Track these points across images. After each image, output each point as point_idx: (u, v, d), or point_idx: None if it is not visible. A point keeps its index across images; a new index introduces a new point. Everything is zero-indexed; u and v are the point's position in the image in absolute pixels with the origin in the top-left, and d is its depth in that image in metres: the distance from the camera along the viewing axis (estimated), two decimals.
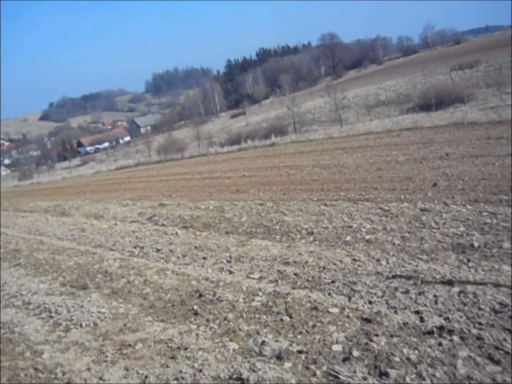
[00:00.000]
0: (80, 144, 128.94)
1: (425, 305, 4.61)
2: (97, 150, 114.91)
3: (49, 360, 4.64)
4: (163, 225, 10.82)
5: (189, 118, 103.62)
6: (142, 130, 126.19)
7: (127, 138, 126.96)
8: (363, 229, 7.72)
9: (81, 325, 5.34)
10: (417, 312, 4.47)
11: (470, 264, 5.54)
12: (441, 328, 4.08)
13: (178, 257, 7.72)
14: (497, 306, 4.33)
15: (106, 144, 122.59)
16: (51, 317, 5.77)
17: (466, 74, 58.94)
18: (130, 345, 4.67)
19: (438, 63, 66.39)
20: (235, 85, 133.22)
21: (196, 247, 8.15)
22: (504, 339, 3.77)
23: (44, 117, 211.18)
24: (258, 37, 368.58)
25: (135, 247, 8.84)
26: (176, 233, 9.56)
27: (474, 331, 3.95)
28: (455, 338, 3.89)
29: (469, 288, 4.79)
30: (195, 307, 5.33)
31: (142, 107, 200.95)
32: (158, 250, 8.34)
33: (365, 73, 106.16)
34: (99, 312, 5.64)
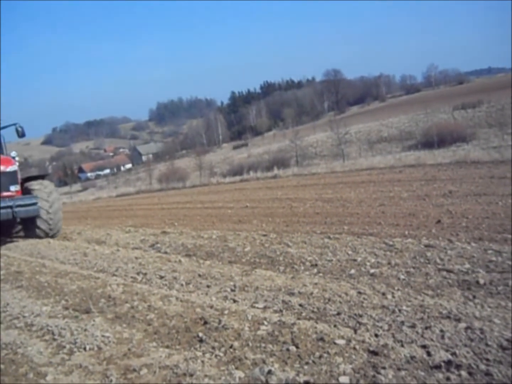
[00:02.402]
0: (81, 170, 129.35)
1: (432, 339, 4.61)
2: (98, 176, 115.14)
3: (52, 382, 4.61)
4: (165, 252, 10.82)
5: (192, 147, 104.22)
6: (144, 158, 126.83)
7: (129, 166, 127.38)
8: (368, 263, 7.73)
9: (85, 349, 5.32)
10: (424, 347, 4.46)
11: (476, 300, 5.55)
12: (448, 362, 4.07)
13: (182, 285, 7.71)
14: (505, 343, 4.33)
15: (107, 171, 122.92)
16: (54, 339, 5.74)
17: (469, 113, 59.50)
18: (135, 370, 4.65)
19: (441, 102, 67.11)
20: (238, 116, 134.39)
21: (199, 275, 8.15)
22: None
23: (47, 141, 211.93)
24: (262, 71, 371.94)
25: (138, 273, 8.82)
26: (180, 261, 9.57)
27: (482, 366, 3.95)
28: (463, 373, 3.89)
29: (476, 324, 4.80)
30: (200, 334, 5.31)
31: (145, 135, 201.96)
32: (161, 277, 8.32)
33: (368, 110, 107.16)
34: (103, 336, 5.61)
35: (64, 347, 5.45)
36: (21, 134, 16.21)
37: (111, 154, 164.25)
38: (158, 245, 11.75)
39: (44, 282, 8.86)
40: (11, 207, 13.86)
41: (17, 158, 16.12)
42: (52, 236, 15.45)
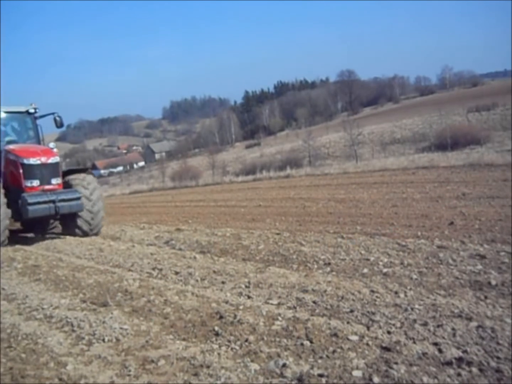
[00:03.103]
0: (94, 167, 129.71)
1: (444, 337, 4.70)
2: (111, 174, 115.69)
3: (73, 372, 4.74)
4: (180, 249, 10.96)
5: (204, 146, 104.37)
6: (157, 156, 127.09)
7: (142, 163, 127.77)
8: (380, 263, 7.83)
9: (103, 340, 5.45)
10: (435, 344, 4.56)
11: (488, 301, 5.64)
12: (459, 359, 4.17)
13: (197, 280, 7.85)
14: None
15: (120, 168, 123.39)
16: (73, 331, 5.88)
17: (483, 116, 59.23)
18: (152, 361, 4.77)
19: (455, 104, 66.80)
20: (252, 116, 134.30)
21: (214, 272, 8.28)
22: None
23: (61, 138, 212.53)
24: (276, 70, 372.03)
25: (153, 269, 8.97)
26: (194, 257, 9.71)
27: (493, 363, 4.05)
28: (474, 370, 3.99)
29: (488, 323, 4.89)
30: (216, 328, 5.44)
31: (158, 133, 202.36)
32: (176, 273, 8.47)
33: (382, 111, 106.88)
34: (121, 328, 5.75)
35: (83, 338, 5.59)
36: (59, 124, 15.53)
37: (124, 151, 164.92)
38: (173, 241, 11.90)
39: (61, 276, 9.02)
40: (53, 201, 12.85)
41: (55, 150, 14.72)
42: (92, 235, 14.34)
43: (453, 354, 4.31)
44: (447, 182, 18.95)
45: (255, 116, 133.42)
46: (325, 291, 6.56)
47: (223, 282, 7.57)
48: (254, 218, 15.22)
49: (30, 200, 12.54)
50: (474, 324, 4.93)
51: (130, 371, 4.62)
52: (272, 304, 6.26)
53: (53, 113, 15.30)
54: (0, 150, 13.92)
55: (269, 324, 5.44)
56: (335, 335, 4.94)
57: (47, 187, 13.32)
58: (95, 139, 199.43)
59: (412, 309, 5.55)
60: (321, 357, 4.51)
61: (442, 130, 52.13)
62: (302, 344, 4.82)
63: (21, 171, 13.09)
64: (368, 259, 8.12)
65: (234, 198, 23.94)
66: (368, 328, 5.10)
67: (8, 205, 12.73)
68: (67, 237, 14.25)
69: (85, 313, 6.57)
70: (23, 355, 5.24)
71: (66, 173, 14.63)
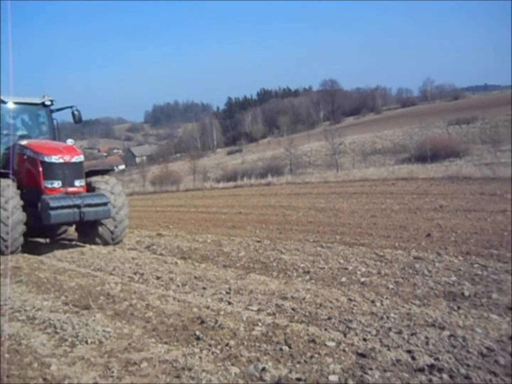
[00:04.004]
0: None
1: (417, 345, 4.90)
2: None
3: (57, 372, 4.84)
4: (161, 254, 11.07)
5: (186, 151, 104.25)
6: (138, 159, 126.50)
7: (122, 167, 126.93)
8: (358, 272, 8.04)
9: (86, 342, 5.55)
10: (409, 351, 4.75)
11: (461, 311, 5.86)
12: (431, 366, 4.36)
13: (178, 286, 7.98)
14: (485, 351, 4.63)
15: None
16: (56, 332, 5.97)
17: (463, 129, 60.11)
18: (135, 363, 4.89)
19: (436, 117, 67.63)
20: (234, 122, 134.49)
21: (195, 277, 8.42)
22: (490, 380, 4.07)
23: None
24: (260, 78, 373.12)
25: (135, 273, 9.07)
26: (176, 263, 9.83)
27: (463, 371, 4.25)
28: (445, 376, 4.19)
29: (459, 332, 5.10)
30: (197, 333, 5.57)
31: (139, 136, 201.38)
32: (158, 278, 8.58)
33: (363, 121, 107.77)
34: (103, 330, 5.85)
35: (66, 340, 5.68)
36: (77, 119, 14.04)
37: (105, 154, 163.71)
38: (154, 246, 12.00)
39: (43, 278, 9.07)
40: (78, 206, 11.26)
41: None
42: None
43: (426, 361, 4.50)
44: (426, 194, 19.29)
45: (237, 122, 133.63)
46: (304, 298, 6.74)
47: (204, 288, 7.71)
48: (234, 225, 15.37)
49: (52, 204, 10.99)
50: (446, 333, 5.13)
51: (113, 372, 4.74)
52: (252, 310, 6.41)
53: (71, 107, 14.06)
54: (10, 145, 12.66)
55: (249, 329, 5.59)
56: (313, 341, 5.11)
57: (70, 189, 11.82)
58: (76, 141, 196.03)
59: (387, 317, 5.75)
60: (299, 362, 4.67)
61: (423, 142, 52.79)
62: (281, 349, 4.98)
63: (40, 169, 11.61)
64: (346, 268, 8.32)
65: (215, 204, 24.08)
66: (345, 335, 5.28)
67: (23, 208, 11.42)
68: (48, 239, 14.25)
69: (67, 315, 6.65)
70: (7, 355, 5.31)
71: (88, 174, 12.83)
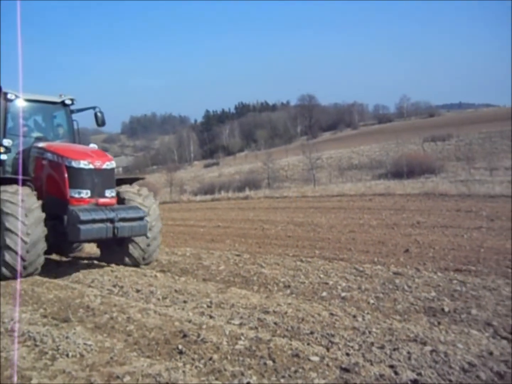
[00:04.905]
0: None
1: (399, 360, 4.94)
2: None
3: None
4: (140, 267, 10.98)
5: (163, 163, 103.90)
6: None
7: None
8: (339, 287, 8.09)
9: (67, 355, 5.49)
10: (391, 366, 4.79)
11: (441, 326, 5.94)
12: (414, 381, 4.41)
13: (159, 299, 7.93)
14: (466, 366, 4.69)
15: None
16: (36, 345, 5.89)
17: (438, 146, 60.96)
18: (118, 377, 4.85)
19: (412, 133, 68.58)
20: (211, 135, 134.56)
21: (176, 291, 8.38)
22: None
23: None
24: (238, 91, 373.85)
25: (114, 286, 8.99)
26: (155, 276, 9.77)
27: None
28: None
29: (441, 347, 5.16)
30: (180, 347, 5.55)
31: (116, 148, 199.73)
32: (138, 291, 8.52)
33: (340, 136, 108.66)
34: (85, 344, 5.79)
35: (47, 353, 5.61)
36: (101, 122, 12.43)
37: None
38: None
39: (20, 290, 8.95)
40: (112, 220, 9.59)
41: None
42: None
43: (408, 376, 4.55)
44: (403, 210, 19.50)
45: (214, 135, 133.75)
46: (286, 312, 6.75)
47: (185, 302, 7.67)
48: (213, 238, 15.35)
49: (83, 217, 9.31)
50: (428, 348, 5.19)
51: None
52: (234, 324, 6.40)
53: (93, 108, 12.40)
54: (24, 148, 10.99)
55: (232, 344, 5.59)
56: (297, 355, 5.12)
57: (101, 200, 10.12)
58: None
59: (369, 332, 5.79)
60: (283, 376, 4.68)
61: (399, 158, 53.39)
62: (265, 363, 4.98)
63: (65, 176, 9.94)
64: (327, 283, 8.37)
65: (192, 217, 24.00)
66: (328, 350, 5.30)
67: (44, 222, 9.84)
68: None
69: (47, 328, 6.57)
70: None
71: (117, 183, 11.04)
